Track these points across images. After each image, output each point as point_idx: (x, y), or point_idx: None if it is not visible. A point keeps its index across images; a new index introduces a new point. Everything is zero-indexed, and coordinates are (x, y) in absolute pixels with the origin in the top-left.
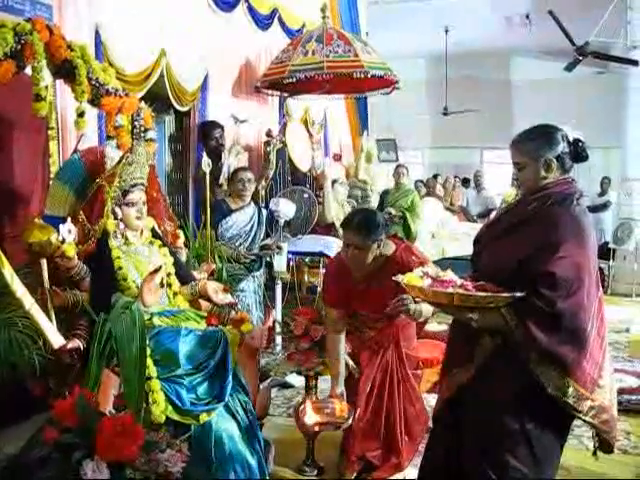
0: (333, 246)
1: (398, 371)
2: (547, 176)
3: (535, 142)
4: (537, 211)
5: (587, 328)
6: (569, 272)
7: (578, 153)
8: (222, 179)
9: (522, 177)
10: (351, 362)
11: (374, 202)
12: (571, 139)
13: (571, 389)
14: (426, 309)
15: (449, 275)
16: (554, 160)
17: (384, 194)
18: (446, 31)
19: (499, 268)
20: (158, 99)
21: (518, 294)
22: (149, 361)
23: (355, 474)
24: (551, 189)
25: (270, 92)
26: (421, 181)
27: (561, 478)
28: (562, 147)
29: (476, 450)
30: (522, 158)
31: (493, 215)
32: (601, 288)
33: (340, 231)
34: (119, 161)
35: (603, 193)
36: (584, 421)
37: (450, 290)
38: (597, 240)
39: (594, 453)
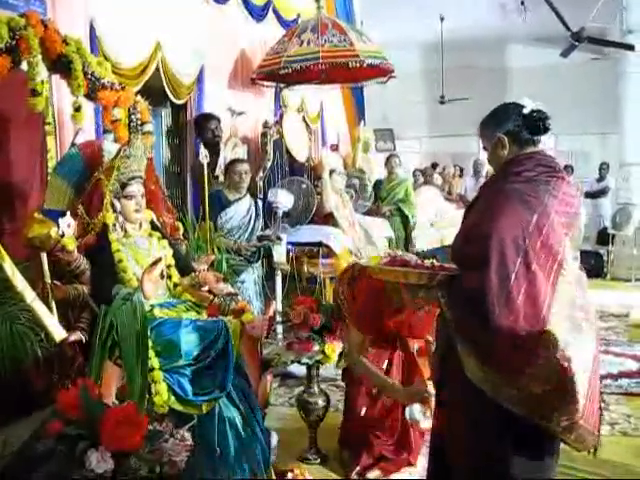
0: (332, 236)
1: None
2: (503, 153)
3: (486, 123)
4: (481, 192)
5: (495, 311)
6: (474, 250)
7: (534, 124)
8: (218, 171)
9: (488, 159)
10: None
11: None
12: (528, 111)
13: (482, 374)
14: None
15: (409, 256)
16: (504, 137)
17: (378, 184)
18: (441, 19)
19: (454, 252)
20: (154, 92)
21: (427, 271)
22: (151, 352)
23: (359, 467)
24: (504, 167)
25: (266, 83)
26: (420, 170)
27: (561, 462)
28: (512, 122)
29: (453, 435)
30: (483, 141)
31: None
32: (540, 267)
33: (338, 221)
34: (117, 154)
35: (601, 179)
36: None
37: (387, 267)
38: (596, 225)
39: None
